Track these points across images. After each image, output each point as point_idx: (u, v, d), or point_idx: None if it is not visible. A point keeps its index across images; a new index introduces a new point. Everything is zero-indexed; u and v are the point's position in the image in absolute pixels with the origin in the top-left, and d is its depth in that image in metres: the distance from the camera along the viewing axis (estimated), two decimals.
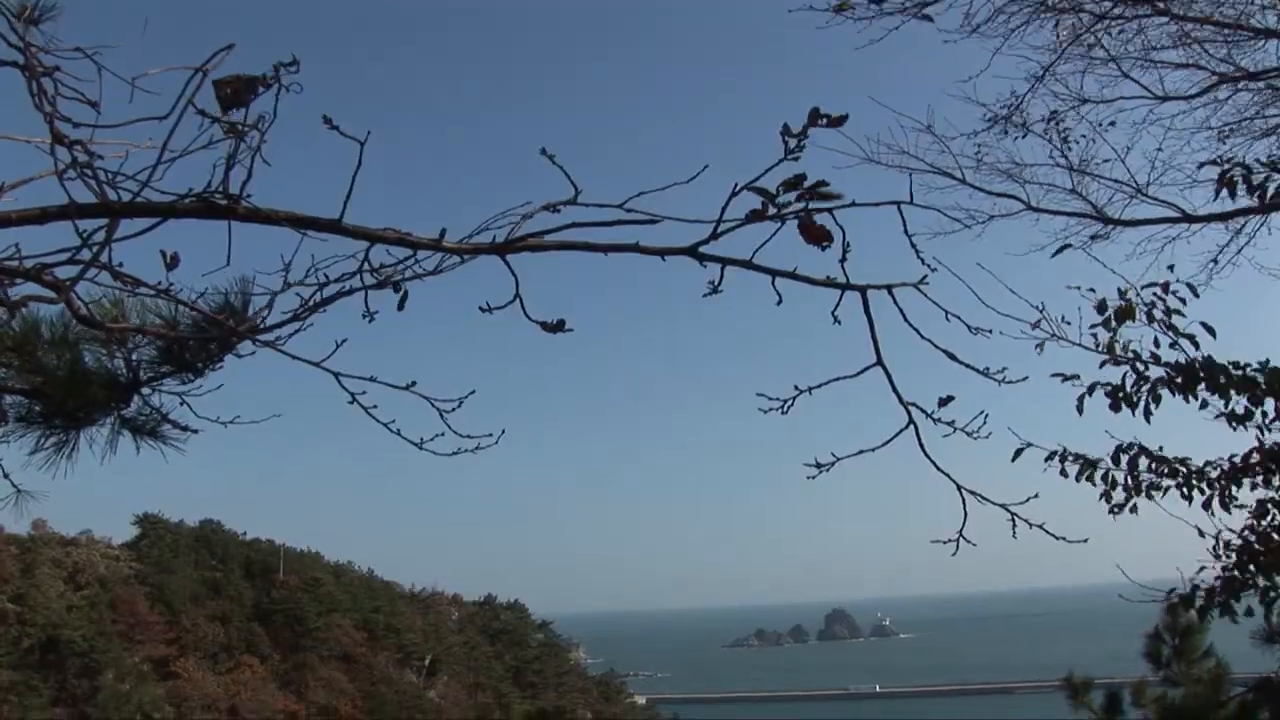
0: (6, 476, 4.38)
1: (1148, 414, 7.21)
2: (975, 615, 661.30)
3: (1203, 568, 7.44)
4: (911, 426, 4.11)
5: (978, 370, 4.14)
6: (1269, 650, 9.16)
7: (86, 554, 76.01)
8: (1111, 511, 7.47)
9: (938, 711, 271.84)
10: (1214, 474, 7.32)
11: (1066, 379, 7.21)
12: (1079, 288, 7.24)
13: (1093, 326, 7.21)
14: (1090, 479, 7.52)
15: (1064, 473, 7.56)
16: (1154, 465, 7.40)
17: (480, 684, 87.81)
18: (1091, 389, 7.27)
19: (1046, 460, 7.49)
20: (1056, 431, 7.68)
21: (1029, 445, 6.62)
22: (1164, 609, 12.29)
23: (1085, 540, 5.14)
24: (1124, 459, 7.45)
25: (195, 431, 4.44)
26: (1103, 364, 7.23)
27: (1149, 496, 7.48)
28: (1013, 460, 6.77)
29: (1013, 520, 4.58)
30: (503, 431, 4.33)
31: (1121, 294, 7.14)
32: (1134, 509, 7.47)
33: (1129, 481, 7.46)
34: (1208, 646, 11.66)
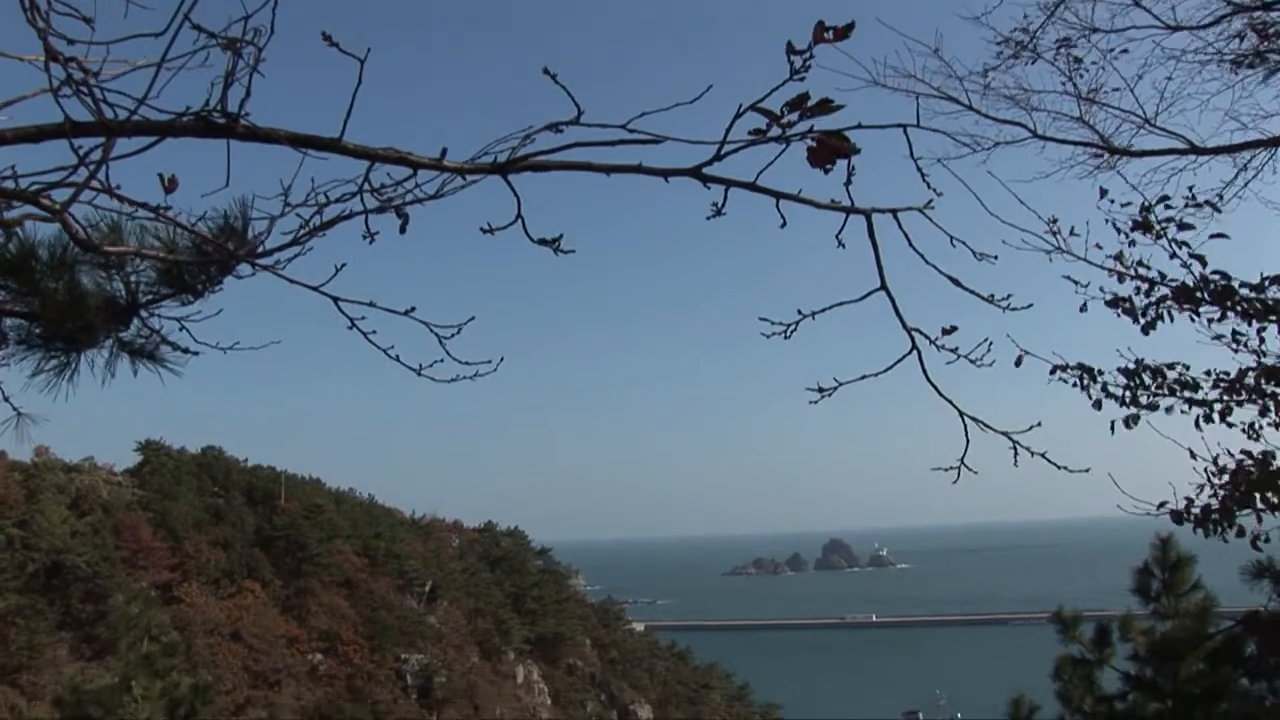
0: (7, 400, 4.37)
1: (1152, 327, 7.20)
2: (972, 547, 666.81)
3: (1200, 489, 7.44)
4: (915, 352, 4.09)
5: (982, 297, 4.12)
6: (1257, 585, 9.23)
7: (89, 480, 76.36)
8: (1111, 427, 7.46)
9: (933, 641, 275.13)
10: (1214, 392, 7.32)
11: (1078, 287, 7.18)
12: (1108, 195, 7.20)
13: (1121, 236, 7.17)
14: (1089, 390, 7.51)
15: (1065, 380, 7.53)
16: (1155, 380, 7.39)
17: (480, 610, 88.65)
18: (1113, 302, 7.25)
19: (1050, 374, 7.48)
20: (1062, 354, 7.67)
21: (1027, 354, 6.59)
22: (1154, 544, 12.39)
23: (1087, 470, 5.14)
24: (1130, 376, 7.43)
25: (195, 354, 4.42)
26: (1111, 274, 7.21)
27: (1150, 407, 7.46)
28: (1016, 365, 6.73)
29: (1015, 449, 4.57)
30: (501, 359, 4.32)
31: (1144, 207, 7.09)
32: (1133, 423, 7.45)
33: (1128, 396, 7.45)
34: (1196, 580, 11.78)
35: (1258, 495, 7.21)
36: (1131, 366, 7.48)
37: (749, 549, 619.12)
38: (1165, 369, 7.38)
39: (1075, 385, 7.54)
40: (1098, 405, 7.47)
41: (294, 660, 71.00)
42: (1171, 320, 7.16)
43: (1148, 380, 7.45)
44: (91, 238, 3.82)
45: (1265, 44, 8.70)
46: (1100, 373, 7.48)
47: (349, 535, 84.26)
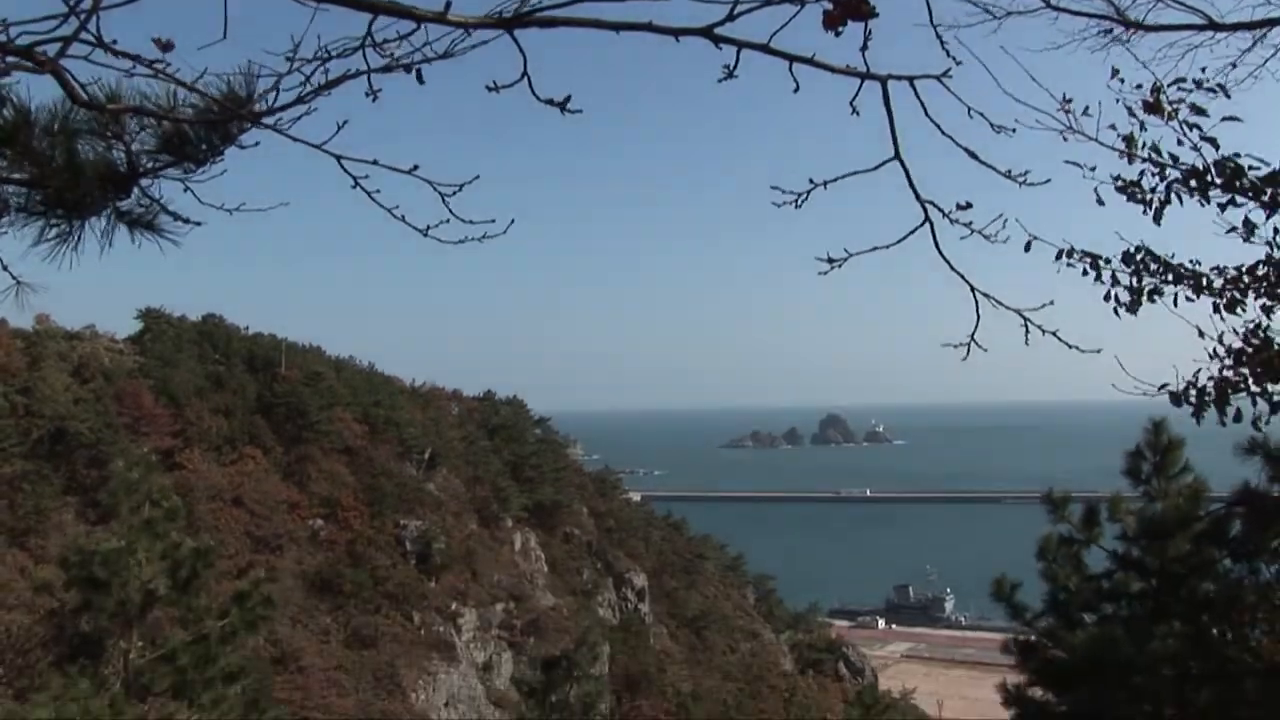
0: (5, 269, 4.33)
1: (1159, 215, 7.13)
2: (969, 425, 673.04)
3: (1199, 370, 7.43)
4: (927, 225, 4.04)
5: (999, 171, 4.06)
6: (1249, 461, 9.29)
7: (91, 348, 76.47)
8: (1115, 311, 7.44)
9: (926, 518, 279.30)
10: (1219, 281, 7.27)
11: (1085, 172, 7.07)
12: (1119, 75, 7.05)
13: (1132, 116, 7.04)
14: (1098, 277, 7.46)
15: (1072, 267, 7.48)
16: (1160, 269, 7.35)
17: (478, 477, 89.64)
18: (1123, 187, 7.15)
19: (1056, 259, 7.42)
20: (1073, 242, 7.58)
21: (1035, 239, 6.52)
22: (1146, 428, 12.48)
23: (1098, 351, 5.13)
24: (1131, 262, 7.38)
25: (196, 224, 4.37)
26: (1121, 155, 7.10)
27: (1151, 299, 7.43)
28: (1025, 251, 6.68)
29: (1026, 326, 4.55)
30: (511, 221, 4.27)
31: (1156, 88, 6.96)
32: (1135, 307, 7.42)
33: (1134, 282, 7.41)
34: (1186, 463, 11.90)
35: (1261, 376, 7.20)
36: (1133, 250, 7.42)
37: (746, 422, 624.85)
38: (1174, 265, 7.32)
39: (1084, 272, 7.48)
40: (1108, 296, 7.42)
41: (295, 525, 72.01)
42: (1181, 203, 7.07)
43: (1151, 265, 7.40)
44: (90, 96, 3.75)
45: None
46: (1108, 260, 7.42)
47: (349, 403, 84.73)
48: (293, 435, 78.22)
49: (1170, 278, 7.38)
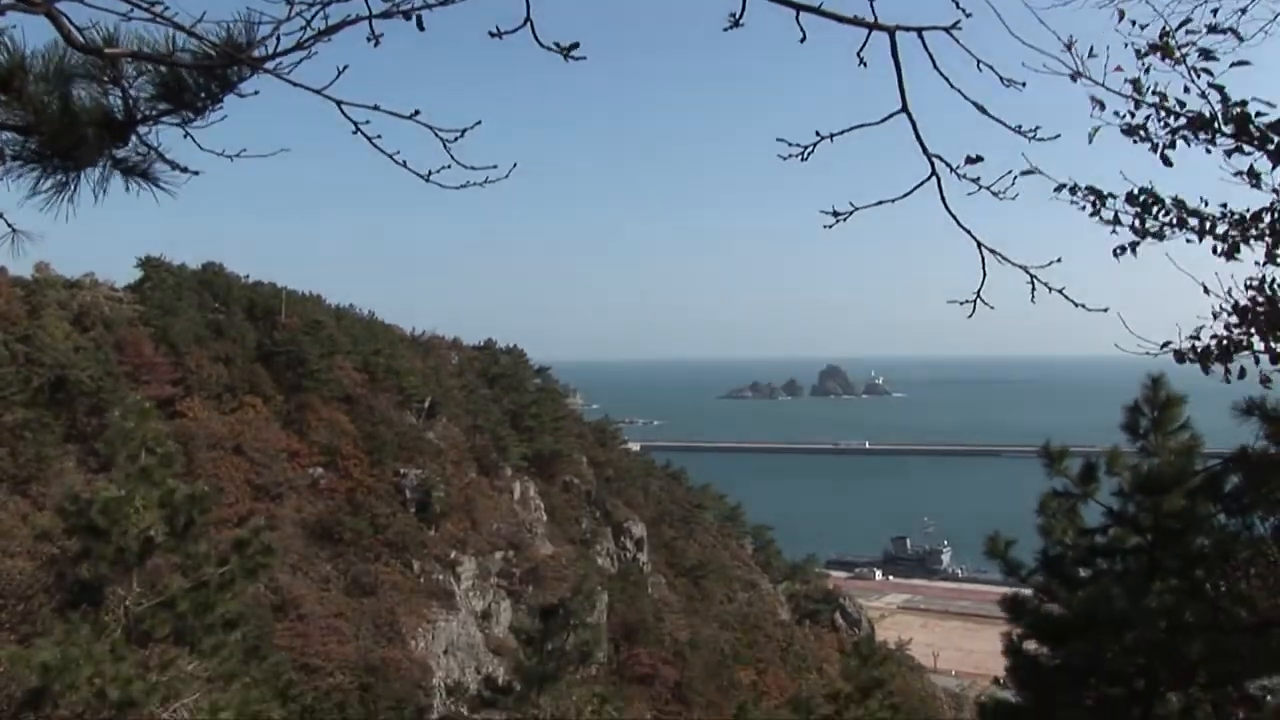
0: (1, 217, 4.30)
1: (1165, 158, 7.05)
2: (969, 379, 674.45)
3: (1201, 327, 7.38)
4: (934, 179, 4.01)
5: (1008, 126, 4.02)
6: (1246, 422, 9.28)
7: (90, 296, 76.35)
8: (1116, 253, 7.37)
9: (924, 470, 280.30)
10: (1223, 227, 7.21)
11: (1095, 109, 6.98)
12: (1125, 18, 6.95)
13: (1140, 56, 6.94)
14: (1098, 213, 7.38)
15: (1076, 204, 7.38)
16: (1163, 211, 7.28)
17: (478, 426, 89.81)
18: (1129, 130, 7.08)
19: (1055, 191, 7.32)
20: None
21: (1036, 171, 6.45)
22: (1145, 384, 12.47)
23: (1105, 310, 5.10)
24: (1135, 202, 7.30)
25: (194, 173, 4.33)
26: (1128, 99, 7.02)
27: (1156, 235, 7.36)
28: (1023, 174, 6.60)
29: (1032, 283, 4.53)
30: (514, 165, 4.24)
31: (1164, 32, 6.86)
32: (1134, 249, 7.36)
33: (1137, 224, 7.33)
34: (1184, 420, 11.92)
35: (1266, 334, 7.16)
36: (1136, 192, 7.35)
37: (746, 373, 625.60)
38: (1180, 205, 7.24)
39: (1084, 208, 7.39)
40: (1114, 226, 7.31)
41: (295, 474, 72.25)
42: (1189, 146, 6.99)
43: (1154, 207, 7.33)
44: (88, 42, 3.72)
45: None
46: (1112, 196, 7.33)
47: (349, 351, 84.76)
48: (293, 384, 78.30)
49: (1173, 219, 7.31)
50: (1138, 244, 7.36)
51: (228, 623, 13.47)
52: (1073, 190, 7.38)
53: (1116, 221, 7.35)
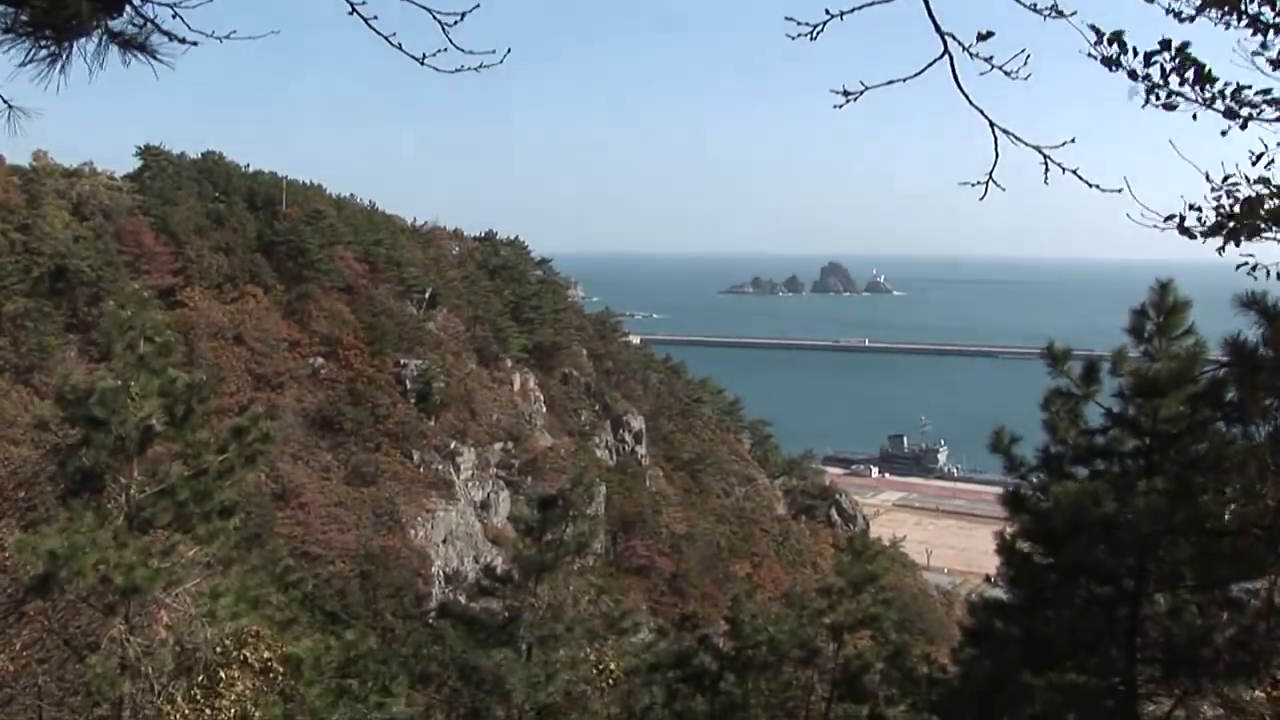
0: None
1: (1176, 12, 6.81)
2: (970, 279, 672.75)
3: (1219, 195, 7.18)
4: (947, 58, 3.94)
5: (1023, 4, 3.94)
6: (1245, 315, 9.19)
7: (89, 185, 75.92)
8: (1132, 96, 7.13)
9: (923, 369, 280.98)
10: (1236, 103, 6.97)
11: None
12: None
13: None
14: (1119, 62, 7.12)
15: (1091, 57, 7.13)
16: (1173, 63, 7.01)
17: (478, 317, 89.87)
18: None
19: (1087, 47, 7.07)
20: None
21: (1064, 15, 6.18)
22: (1153, 287, 12.39)
23: (1119, 190, 5.03)
24: (1154, 61, 7.04)
25: (191, 44, 4.24)
26: None
27: (1167, 106, 7.15)
28: (1045, 18, 6.37)
29: (1045, 163, 4.47)
30: (509, 50, 4.18)
31: None
32: (1146, 101, 7.14)
33: (1155, 81, 7.07)
34: (1189, 326, 11.88)
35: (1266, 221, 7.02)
36: (1153, 50, 7.07)
37: (748, 268, 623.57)
38: (1199, 65, 6.95)
39: (1103, 60, 7.15)
40: (1133, 80, 7.06)
41: (295, 364, 72.55)
42: (1212, 23, 6.72)
43: (1166, 64, 7.06)
44: None
45: None
46: (1135, 50, 7.05)
47: (350, 241, 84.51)
48: (293, 273, 78.19)
49: (1190, 76, 7.05)
50: (1146, 100, 7.12)
51: (226, 510, 13.61)
52: (1096, 34, 7.10)
53: (1134, 78, 7.11)
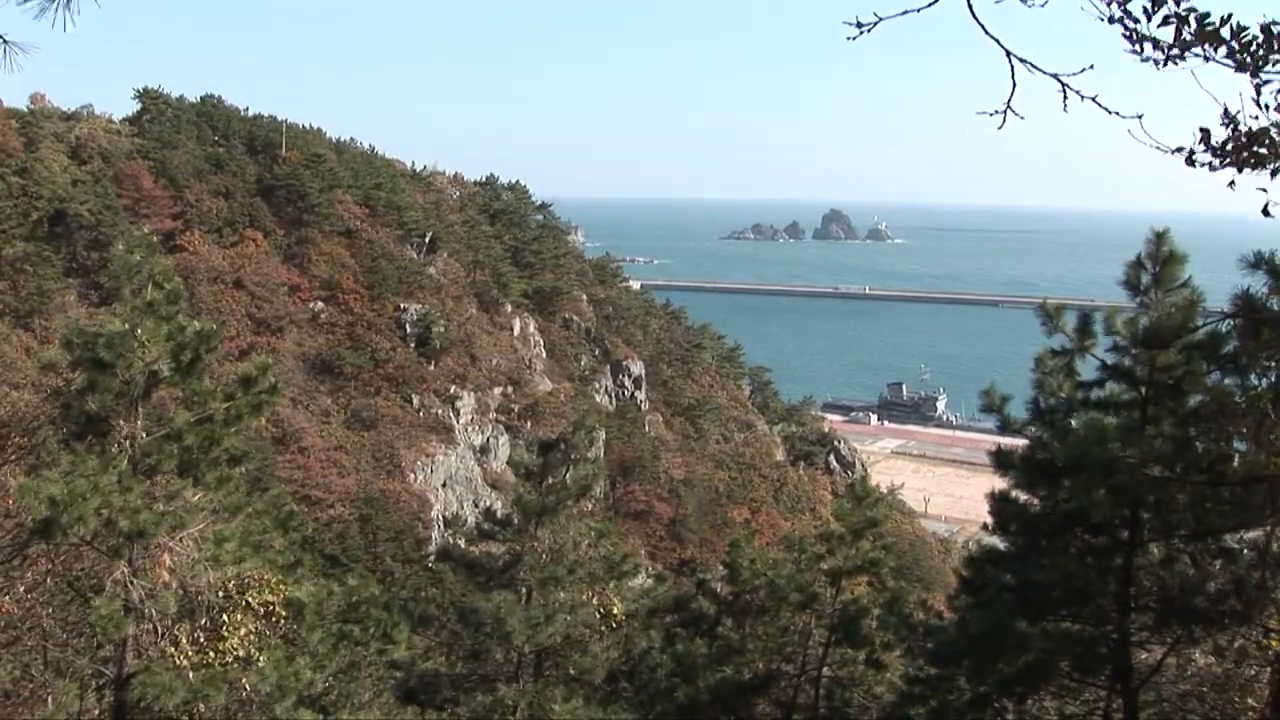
0: None
1: None
2: (972, 228, 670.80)
3: (1207, 129, 7.11)
4: None
5: None
6: (1253, 275, 9.17)
7: (88, 129, 75.51)
8: (1135, 52, 7.09)
9: (923, 317, 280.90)
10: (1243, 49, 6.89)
11: None
12: None
13: None
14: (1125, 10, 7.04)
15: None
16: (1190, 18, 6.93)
17: (479, 262, 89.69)
18: None
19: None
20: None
21: None
22: (1149, 239, 12.36)
23: (1140, 116, 5.02)
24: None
25: None
26: None
27: (1177, 60, 7.07)
28: None
29: (1064, 91, 4.46)
30: None
31: None
32: (1162, 60, 7.07)
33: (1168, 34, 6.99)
34: (1186, 279, 11.88)
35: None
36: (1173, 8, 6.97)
37: (749, 214, 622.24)
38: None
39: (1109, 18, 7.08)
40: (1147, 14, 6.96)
41: (295, 308, 72.54)
42: None
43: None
44: None
45: None
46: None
47: (350, 185, 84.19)
48: (293, 218, 77.99)
49: (1195, 36, 6.96)
50: (1159, 56, 7.06)
51: (232, 458, 13.67)
52: None
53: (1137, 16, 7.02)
